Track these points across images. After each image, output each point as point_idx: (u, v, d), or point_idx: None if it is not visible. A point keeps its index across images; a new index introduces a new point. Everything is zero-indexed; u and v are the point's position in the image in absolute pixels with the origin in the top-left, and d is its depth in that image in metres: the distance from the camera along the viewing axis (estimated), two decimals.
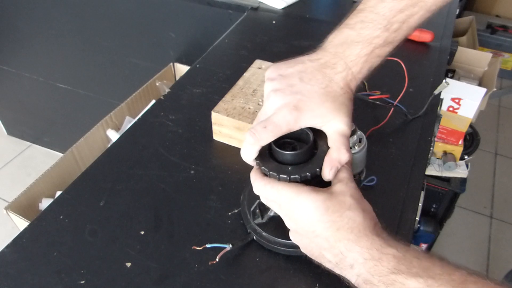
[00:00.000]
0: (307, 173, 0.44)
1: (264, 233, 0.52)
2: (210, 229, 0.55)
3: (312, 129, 0.47)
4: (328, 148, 0.46)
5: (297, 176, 0.44)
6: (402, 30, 0.47)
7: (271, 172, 0.45)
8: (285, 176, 0.44)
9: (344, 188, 0.43)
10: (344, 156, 0.44)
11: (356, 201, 0.42)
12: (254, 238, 0.53)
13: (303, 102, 0.44)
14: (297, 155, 0.45)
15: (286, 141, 0.47)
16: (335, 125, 0.45)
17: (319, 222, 0.41)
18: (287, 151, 0.45)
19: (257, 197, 0.53)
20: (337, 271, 0.42)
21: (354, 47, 0.46)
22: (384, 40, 0.46)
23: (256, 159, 0.46)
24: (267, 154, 0.47)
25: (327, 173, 0.44)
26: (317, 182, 0.46)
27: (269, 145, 0.46)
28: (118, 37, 1.43)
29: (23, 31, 1.60)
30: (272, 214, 0.54)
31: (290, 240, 0.50)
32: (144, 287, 0.49)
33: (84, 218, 0.57)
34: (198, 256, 0.52)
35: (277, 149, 0.45)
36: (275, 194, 0.44)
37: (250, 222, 0.53)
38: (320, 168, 0.45)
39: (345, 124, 0.45)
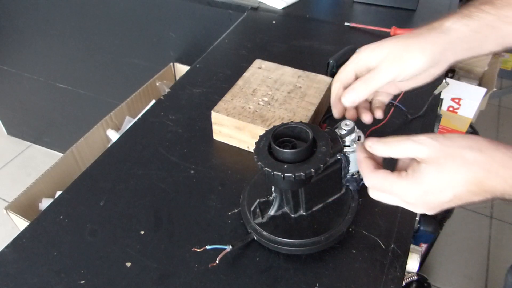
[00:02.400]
0: (301, 173, 0.44)
1: (264, 233, 0.52)
2: (210, 229, 0.55)
3: (312, 129, 0.47)
4: (327, 149, 0.46)
5: (291, 175, 0.44)
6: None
7: (266, 168, 0.45)
8: (279, 173, 0.44)
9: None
10: None
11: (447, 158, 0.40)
12: (255, 237, 0.53)
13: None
14: (292, 153, 0.45)
15: (286, 139, 0.47)
16: None
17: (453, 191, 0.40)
18: (286, 149, 0.45)
19: (257, 197, 0.53)
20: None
21: None
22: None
23: (254, 155, 0.47)
24: (266, 151, 0.47)
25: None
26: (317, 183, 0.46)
27: (269, 142, 0.47)
28: (118, 37, 1.43)
29: (23, 31, 1.60)
30: (272, 213, 0.54)
31: (291, 239, 0.50)
32: (144, 287, 0.49)
33: (84, 218, 0.57)
34: (198, 256, 0.52)
35: (274, 146, 0.46)
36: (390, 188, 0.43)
37: (251, 222, 0.53)
38: (316, 169, 0.45)
39: None
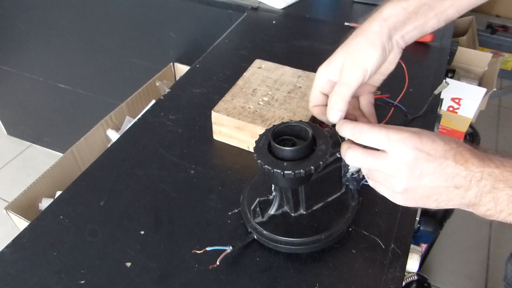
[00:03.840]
0: (301, 170, 0.44)
1: (264, 232, 0.52)
2: (210, 229, 0.55)
3: (312, 127, 0.47)
4: (326, 147, 0.47)
5: (290, 172, 0.44)
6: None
7: (265, 166, 0.45)
8: (279, 171, 0.44)
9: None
10: None
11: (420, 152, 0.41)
12: (255, 237, 0.53)
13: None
14: (292, 151, 0.46)
15: (286, 137, 0.48)
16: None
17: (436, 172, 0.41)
18: (285, 147, 0.45)
19: (257, 196, 0.53)
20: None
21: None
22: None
23: (254, 154, 0.47)
24: (266, 150, 0.47)
25: None
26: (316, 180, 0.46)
27: (268, 141, 0.47)
28: (118, 37, 1.43)
29: (23, 31, 1.60)
30: (272, 212, 0.54)
31: (291, 237, 0.50)
32: (144, 287, 0.49)
33: (84, 218, 0.57)
34: (198, 256, 0.52)
35: (274, 144, 0.46)
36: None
37: (251, 221, 0.53)
38: (316, 167, 0.45)
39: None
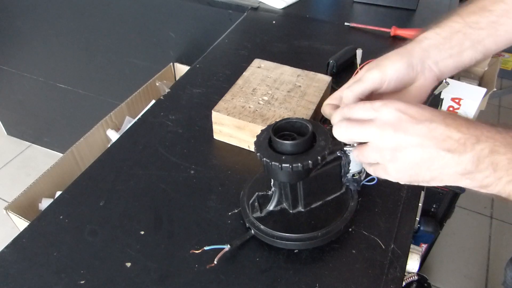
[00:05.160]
0: (299, 164, 0.45)
1: (262, 226, 0.52)
2: (210, 229, 0.55)
3: (312, 124, 0.48)
4: (326, 144, 0.47)
5: (288, 165, 0.45)
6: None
7: (264, 159, 0.46)
8: (277, 164, 0.45)
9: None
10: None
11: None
12: (252, 232, 0.53)
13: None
14: (291, 145, 0.46)
15: (287, 133, 0.48)
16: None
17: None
18: (284, 141, 0.46)
19: (257, 192, 0.53)
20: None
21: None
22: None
23: (255, 147, 0.48)
24: (266, 144, 0.48)
25: None
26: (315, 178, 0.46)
27: (269, 135, 0.48)
28: (118, 37, 1.43)
29: (23, 31, 1.60)
30: (271, 208, 0.54)
31: (289, 233, 0.51)
32: (144, 287, 0.49)
33: (84, 218, 0.57)
34: (198, 256, 0.52)
35: (274, 138, 0.47)
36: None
37: (249, 216, 0.54)
38: (314, 161, 0.45)
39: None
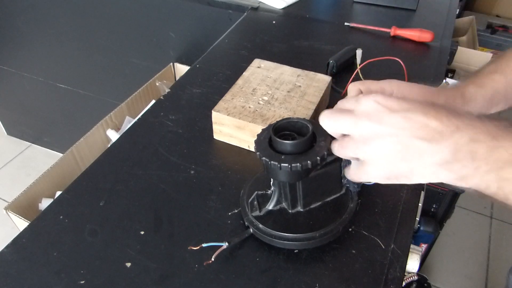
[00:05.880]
0: (298, 164, 0.45)
1: (260, 225, 0.53)
2: (210, 229, 0.55)
3: (313, 124, 0.48)
4: (325, 144, 0.47)
5: (287, 165, 0.45)
6: None
7: (263, 158, 0.46)
8: (276, 163, 0.45)
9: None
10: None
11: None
12: (251, 230, 0.53)
13: None
14: (291, 145, 0.46)
15: (287, 133, 0.48)
16: None
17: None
18: (284, 141, 0.46)
19: (257, 190, 0.53)
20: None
21: None
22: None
23: (255, 146, 0.48)
24: (266, 143, 0.48)
25: None
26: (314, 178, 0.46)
27: (269, 135, 0.48)
28: (118, 37, 1.43)
29: (23, 31, 1.60)
30: (270, 207, 0.54)
31: (287, 232, 0.51)
32: (144, 287, 0.49)
33: (84, 218, 0.57)
34: (198, 256, 0.52)
35: (274, 137, 0.47)
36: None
37: (248, 215, 0.54)
38: (313, 162, 0.46)
39: None
